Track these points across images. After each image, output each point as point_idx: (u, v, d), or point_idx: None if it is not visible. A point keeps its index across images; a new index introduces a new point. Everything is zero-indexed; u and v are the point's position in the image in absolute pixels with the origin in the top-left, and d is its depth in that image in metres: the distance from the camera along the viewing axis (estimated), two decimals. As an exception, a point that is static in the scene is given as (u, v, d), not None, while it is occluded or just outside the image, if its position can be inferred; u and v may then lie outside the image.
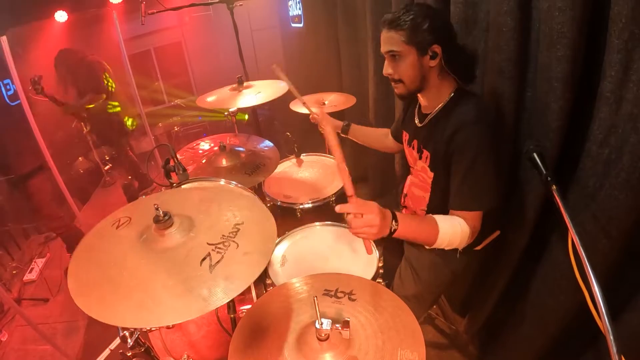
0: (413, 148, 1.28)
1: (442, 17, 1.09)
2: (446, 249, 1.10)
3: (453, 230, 1.05)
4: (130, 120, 3.45)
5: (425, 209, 1.27)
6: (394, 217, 1.00)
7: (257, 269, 0.80)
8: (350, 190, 0.95)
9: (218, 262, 0.81)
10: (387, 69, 1.13)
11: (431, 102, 1.18)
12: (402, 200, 1.49)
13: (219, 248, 0.84)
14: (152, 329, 1.19)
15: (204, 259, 0.82)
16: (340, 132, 1.74)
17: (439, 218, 1.07)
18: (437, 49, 1.06)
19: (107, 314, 0.74)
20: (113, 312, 0.74)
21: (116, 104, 3.32)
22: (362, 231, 0.96)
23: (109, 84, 3.23)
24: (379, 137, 1.69)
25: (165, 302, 0.74)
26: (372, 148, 1.75)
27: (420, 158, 1.24)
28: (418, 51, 1.06)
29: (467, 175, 1.05)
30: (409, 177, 1.39)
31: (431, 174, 1.19)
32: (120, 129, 3.41)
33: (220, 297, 0.74)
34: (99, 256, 0.89)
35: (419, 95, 1.21)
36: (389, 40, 1.08)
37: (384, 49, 1.11)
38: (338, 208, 0.97)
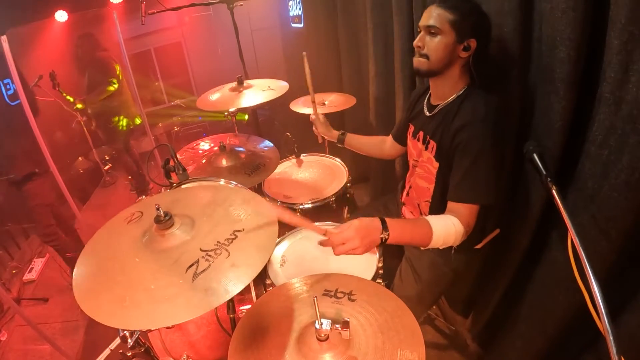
0: (418, 140, 1.29)
1: (488, 20, 1.11)
2: (441, 248, 1.11)
3: (447, 230, 1.06)
4: (126, 120, 3.45)
5: (430, 200, 1.28)
6: (384, 227, 1.00)
7: (239, 285, 0.76)
8: (320, 231, 0.98)
9: (203, 271, 0.78)
10: (420, 41, 1.13)
11: (442, 91, 1.19)
12: (402, 197, 1.48)
13: (210, 255, 0.82)
14: (152, 328, 1.19)
15: (190, 266, 0.79)
16: (336, 142, 1.73)
17: (432, 219, 1.08)
18: (473, 43, 1.08)
19: (91, 306, 0.74)
20: (96, 305, 0.74)
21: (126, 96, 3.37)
22: (348, 254, 0.97)
23: (119, 76, 3.27)
24: (375, 144, 1.69)
25: (142, 306, 0.73)
26: (368, 156, 1.74)
27: (426, 149, 1.24)
28: (457, 37, 1.08)
29: (469, 170, 1.07)
30: (411, 170, 1.39)
31: (436, 164, 1.19)
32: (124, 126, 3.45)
33: (194, 310, 0.72)
34: (102, 248, 0.89)
35: (432, 83, 1.22)
36: (436, 15, 1.09)
37: (425, 22, 1.11)
38: (318, 243, 1.01)
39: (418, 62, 1.15)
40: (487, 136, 1.05)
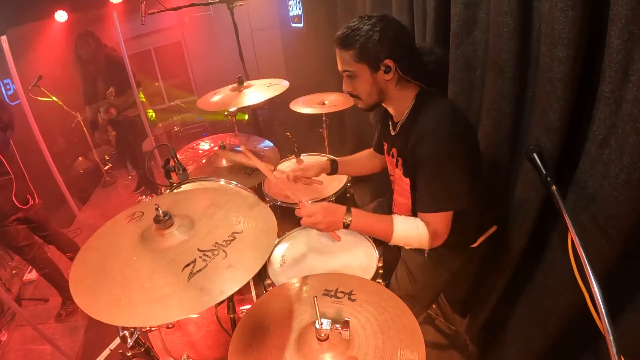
0: (392, 157, 1.28)
1: (393, 27, 1.06)
2: (406, 247, 1.16)
3: (409, 232, 1.10)
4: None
5: (410, 214, 1.26)
6: (348, 212, 1.10)
7: (234, 286, 0.76)
8: (296, 199, 1.13)
9: (199, 270, 0.79)
10: (346, 86, 1.15)
11: (397, 111, 1.19)
12: (394, 208, 1.48)
13: (207, 256, 0.82)
14: (152, 328, 1.19)
15: (186, 266, 0.80)
16: (329, 172, 1.56)
17: (398, 218, 1.12)
18: (389, 62, 1.05)
19: (87, 302, 0.75)
20: (92, 301, 0.75)
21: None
22: (311, 227, 1.09)
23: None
24: (365, 160, 1.62)
25: (136, 304, 0.74)
26: (364, 174, 1.65)
27: (397, 166, 1.24)
28: (370, 68, 1.06)
29: (430, 181, 1.08)
30: (392, 186, 1.39)
31: (407, 180, 1.19)
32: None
33: (188, 309, 0.73)
34: (102, 247, 0.90)
35: (384, 105, 1.22)
36: (341, 59, 1.09)
37: (339, 67, 1.12)
38: (295, 212, 1.12)
39: (357, 103, 1.18)
40: (441, 146, 1.04)
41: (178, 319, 0.74)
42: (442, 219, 1.10)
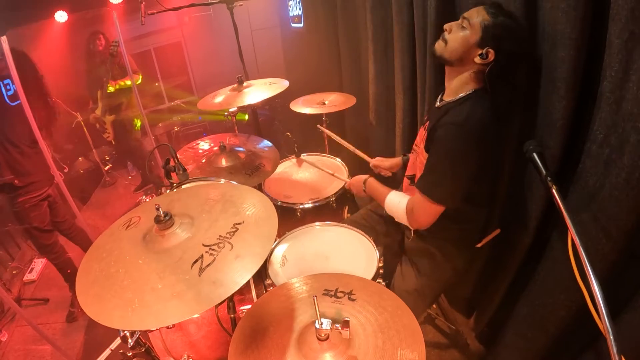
0: (425, 129, 1.30)
1: (521, 44, 1.07)
2: (395, 219, 1.31)
3: (394, 203, 1.29)
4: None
5: None
6: (365, 185, 1.48)
7: (245, 274, 0.78)
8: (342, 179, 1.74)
9: (209, 265, 0.80)
10: (449, 26, 1.15)
11: (452, 88, 1.20)
12: (404, 187, 1.48)
13: (213, 250, 0.84)
14: (152, 328, 1.19)
15: (195, 262, 0.81)
16: (402, 168, 1.71)
17: (394, 192, 1.33)
18: (491, 54, 1.06)
19: (98, 311, 0.75)
20: (103, 309, 0.75)
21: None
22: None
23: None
24: None
25: (151, 306, 0.74)
26: None
27: (423, 139, 1.27)
28: (480, 40, 1.07)
29: (431, 164, 1.15)
30: (413, 158, 1.40)
31: (426, 155, 1.21)
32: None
33: (204, 303, 0.73)
34: (104, 255, 0.90)
35: (445, 74, 1.23)
36: (475, 12, 1.09)
37: (466, 13, 1.11)
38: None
39: (438, 44, 1.17)
40: (456, 140, 1.07)
41: (197, 315, 0.74)
42: (422, 201, 1.16)
